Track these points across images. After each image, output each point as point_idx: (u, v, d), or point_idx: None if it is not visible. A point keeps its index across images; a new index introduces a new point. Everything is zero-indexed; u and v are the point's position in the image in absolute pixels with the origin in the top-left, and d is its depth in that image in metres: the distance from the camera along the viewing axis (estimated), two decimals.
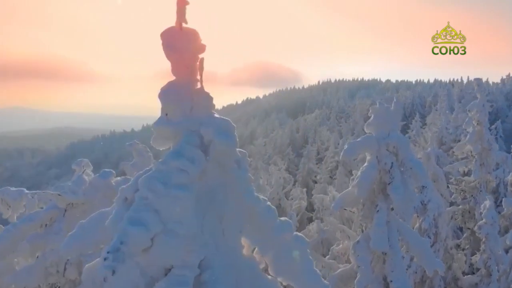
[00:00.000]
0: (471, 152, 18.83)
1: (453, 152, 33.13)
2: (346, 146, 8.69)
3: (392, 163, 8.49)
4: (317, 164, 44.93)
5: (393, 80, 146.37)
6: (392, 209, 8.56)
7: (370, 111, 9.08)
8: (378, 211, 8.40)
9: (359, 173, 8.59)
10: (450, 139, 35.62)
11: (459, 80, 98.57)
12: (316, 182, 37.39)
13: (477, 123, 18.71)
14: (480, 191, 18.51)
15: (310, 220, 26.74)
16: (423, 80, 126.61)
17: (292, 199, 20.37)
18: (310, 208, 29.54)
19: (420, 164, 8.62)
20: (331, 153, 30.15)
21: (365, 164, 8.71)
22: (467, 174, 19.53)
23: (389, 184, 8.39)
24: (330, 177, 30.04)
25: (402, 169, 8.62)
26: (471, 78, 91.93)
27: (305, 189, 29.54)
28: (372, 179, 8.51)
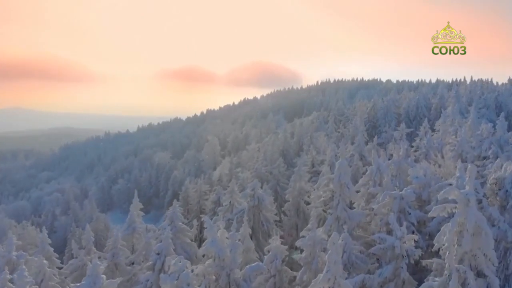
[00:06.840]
0: None
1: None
2: None
3: None
4: (311, 178, 39.94)
5: (394, 81, 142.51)
6: None
7: None
8: None
9: None
10: (474, 156, 29.08)
11: (462, 80, 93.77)
12: (308, 204, 32.17)
13: None
14: None
15: None
16: (424, 80, 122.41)
17: None
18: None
19: None
20: (325, 180, 23.73)
21: None
22: None
23: None
24: (324, 211, 23.93)
25: None
26: (475, 78, 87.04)
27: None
28: None
